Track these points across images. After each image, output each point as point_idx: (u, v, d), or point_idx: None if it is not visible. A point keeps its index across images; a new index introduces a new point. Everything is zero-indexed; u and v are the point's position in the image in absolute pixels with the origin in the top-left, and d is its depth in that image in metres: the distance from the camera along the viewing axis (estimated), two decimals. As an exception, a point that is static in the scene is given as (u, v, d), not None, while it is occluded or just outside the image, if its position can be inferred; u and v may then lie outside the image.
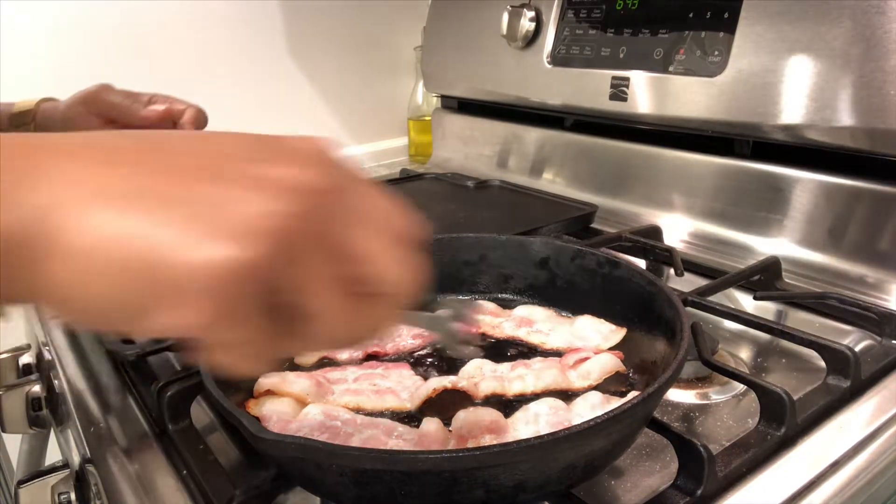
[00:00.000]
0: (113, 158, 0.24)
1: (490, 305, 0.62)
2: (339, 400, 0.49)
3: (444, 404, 0.48)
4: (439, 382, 0.50)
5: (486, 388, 0.50)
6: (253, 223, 0.23)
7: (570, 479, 0.40)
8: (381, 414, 0.49)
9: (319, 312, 0.25)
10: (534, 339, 0.58)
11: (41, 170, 0.23)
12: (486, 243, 0.65)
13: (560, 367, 0.52)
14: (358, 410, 0.48)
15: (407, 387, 0.51)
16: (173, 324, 0.23)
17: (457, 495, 0.37)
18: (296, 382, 0.50)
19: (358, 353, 0.56)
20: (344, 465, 0.37)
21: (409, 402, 0.49)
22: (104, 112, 0.66)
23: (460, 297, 0.64)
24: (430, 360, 0.56)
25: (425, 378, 0.52)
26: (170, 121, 0.66)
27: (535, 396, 0.49)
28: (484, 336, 0.59)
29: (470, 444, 0.43)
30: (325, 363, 0.55)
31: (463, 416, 0.46)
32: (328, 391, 0.50)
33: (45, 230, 0.22)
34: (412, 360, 0.56)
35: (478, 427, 0.44)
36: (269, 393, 0.50)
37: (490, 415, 0.46)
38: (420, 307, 0.32)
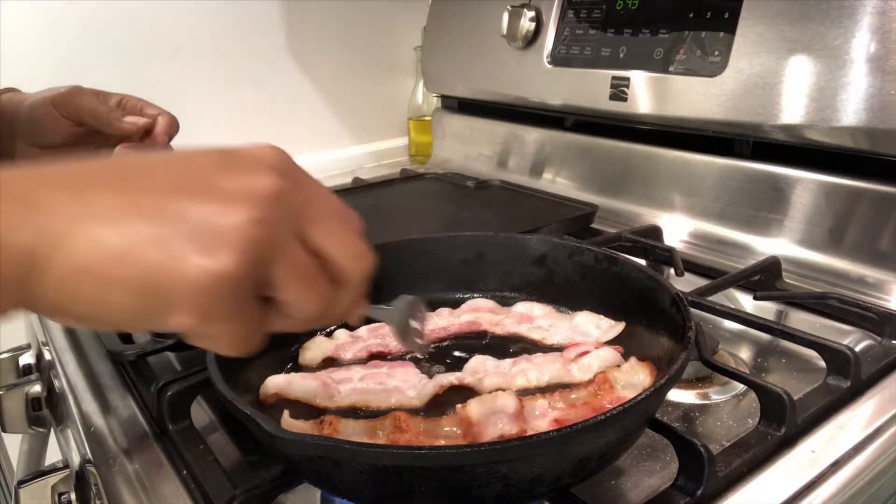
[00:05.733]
0: (101, 182, 0.28)
1: (489, 303, 0.63)
2: (347, 399, 0.50)
3: (451, 400, 0.49)
4: (446, 379, 0.51)
5: (490, 383, 0.50)
6: (229, 236, 0.28)
7: (584, 472, 0.40)
8: (388, 411, 0.49)
9: (291, 300, 0.31)
10: (534, 335, 0.58)
11: (39, 197, 0.27)
12: (483, 242, 0.65)
13: (562, 362, 0.53)
14: (367, 408, 0.49)
15: (413, 384, 0.51)
16: (171, 326, 0.28)
17: (475, 490, 0.37)
18: (302, 384, 0.50)
19: (362, 353, 0.56)
20: (364, 463, 0.37)
21: (416, 399, 0.50)
22: (75, 116, 0.63)
23: (456, 294, 0.65)
24: (432, 358, 0.56)
25: (430, 376, 0.52)
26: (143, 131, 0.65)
27: (539, 390, 0.50)
28: (485, 333, 0.59)
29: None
30: (329, 363, 0.55)
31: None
32: (335, 391, 0.50)
33: (43, 250, 0.26)
34: (415, 359, 0.56)
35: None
36: (277, 396, 0.50)
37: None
38: (378, 301, 0.39)
